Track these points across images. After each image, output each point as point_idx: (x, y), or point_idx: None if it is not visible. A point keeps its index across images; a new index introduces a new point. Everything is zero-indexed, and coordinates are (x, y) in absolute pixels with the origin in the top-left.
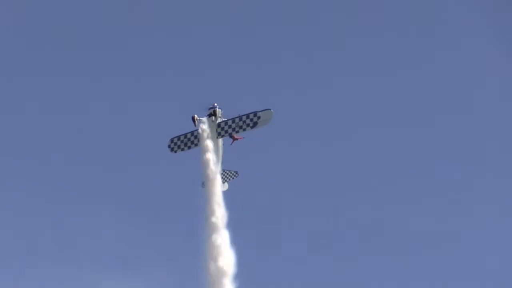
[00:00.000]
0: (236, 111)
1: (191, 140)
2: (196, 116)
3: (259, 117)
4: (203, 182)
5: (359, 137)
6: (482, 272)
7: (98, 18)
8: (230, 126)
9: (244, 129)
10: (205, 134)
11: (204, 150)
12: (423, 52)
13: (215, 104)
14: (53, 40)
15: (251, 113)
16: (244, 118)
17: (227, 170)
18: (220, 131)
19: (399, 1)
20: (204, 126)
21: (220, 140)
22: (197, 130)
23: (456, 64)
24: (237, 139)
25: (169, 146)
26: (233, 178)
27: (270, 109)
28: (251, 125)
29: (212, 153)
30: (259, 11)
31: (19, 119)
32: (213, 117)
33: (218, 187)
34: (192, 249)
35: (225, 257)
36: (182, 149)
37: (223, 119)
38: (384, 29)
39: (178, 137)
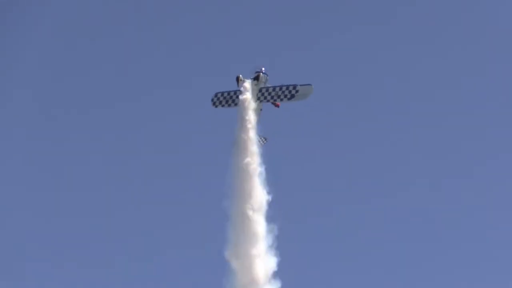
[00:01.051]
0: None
1: (232, 99)
2: (240, 76)
3: (297, 91)
4: (235, 141)
5: None
6: None
7: None
8: (270, 94)
9: (282, 99)
10: (246, 95)
11: (243, 108)
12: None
13: (263, 69)
14: None
15: (291, 85)
16: (284, 88)
17: (257, 134)
18: (260, 96)
19: None
20: (247, 87)
21: (259, 105)
22: (239, 90)
23: None
24: (277, 105)
25: (212, 100)
26: (262, 144)
27: (311, 85)
28: (288, 96)
29: (251, 112)
30: None
31: None
32: (256, 81)
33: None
34: None
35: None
36: (223, 106)
37: (267, 85)
38: None
39: (222, 93)
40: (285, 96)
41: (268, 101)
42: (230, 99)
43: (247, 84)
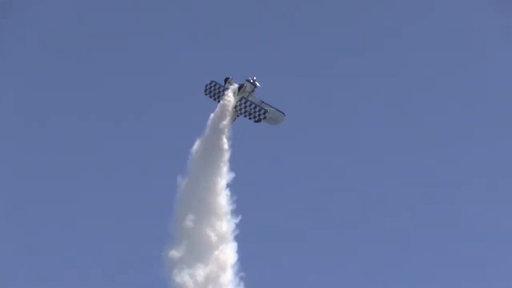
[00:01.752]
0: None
1: (219, 95)
2: (230, 78)
3: (265, 117)
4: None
5: None
6: None
7: None
8: (245, 108)
9: (250, 119)
10: (227, 100)
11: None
12: None
13: (253, 79)
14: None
15: (263, 108)
16: (257, 109)
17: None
18: (238, 105)
19: None
20: (229, 94)
21: (235, 112)
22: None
23: None
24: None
25: (205, 86)
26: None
27: (283, 114)
28: (256, 118)
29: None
30: None
31: None
32: (240, 89)
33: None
34: None
35: None
36: (210, 97)
37: (251, 97)
38: None
39: (215, 84)
40: (254, 117)
41: (240, 114)
42: (217, 94)
43: (231, 90)
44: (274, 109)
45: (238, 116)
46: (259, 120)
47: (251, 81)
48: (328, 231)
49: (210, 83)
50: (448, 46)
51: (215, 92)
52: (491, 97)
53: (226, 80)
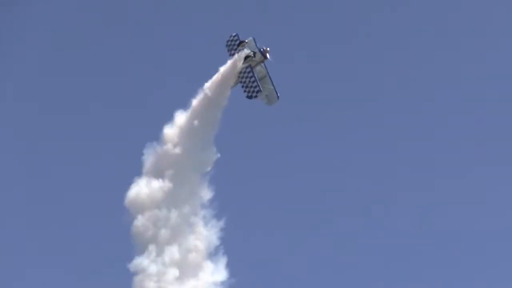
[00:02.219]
0: None
1: (232, 51)
2: (246, 42)
3: (256, 96)
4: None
5: None
6: None
7: None
8: (243, 77)
9: (244, 92)
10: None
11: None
12: None
13: (267, 50)
14: None
15: (258, 86)
16: (252, 83)
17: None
18: (241, 72)
19: None
20: (242, 54)
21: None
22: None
23: None
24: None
25: (230, 36)
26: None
27: (277, 98)
28: (248, 94)
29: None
30: None
31: None
32: (248, 58)
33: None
34: None
35: None
36: (228, 50)
37: (255, 69)
38: None
39: (237, 39)
40: (248, 92)
41: (240, 83)
42: (232, 49)
43: (244, 52)
44: (272, 88)
45: (238, 83)
46: (250, 97)
47: (262, 50)
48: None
49: (234, 35)
50: None
51: (232, 46)
52: None
53: (240, 43)
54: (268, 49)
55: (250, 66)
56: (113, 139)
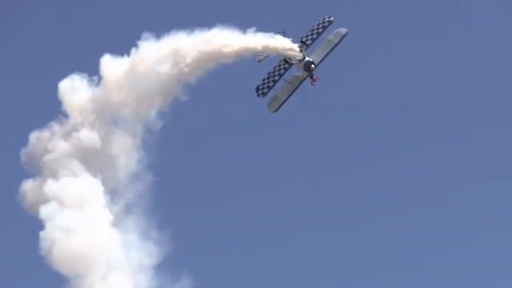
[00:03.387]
0: None
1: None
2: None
3: (262, 96)
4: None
5: None
6: None
7: None
8: (274, 70)
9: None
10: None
11: None
12: None
13: (312, 66)
14: None
15: (266, 93)
16: (270, 80)
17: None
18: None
19: None
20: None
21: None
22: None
23: None
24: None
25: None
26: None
27: (274, 111)
28: (257, 91)
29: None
30: None
31: None
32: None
33: None
34: None
35: None
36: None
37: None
38: None
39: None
40: (259, 87)
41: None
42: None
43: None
44: (281, 100)
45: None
46: (256, 89)
47: (310, 64)
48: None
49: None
50: None
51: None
52: None
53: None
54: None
55: (286, 60)
56: None
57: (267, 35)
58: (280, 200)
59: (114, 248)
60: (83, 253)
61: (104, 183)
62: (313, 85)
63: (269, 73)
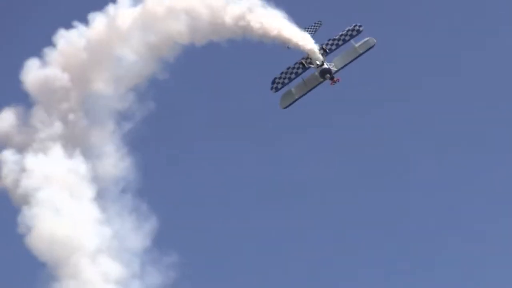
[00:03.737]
0: None
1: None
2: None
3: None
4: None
5: None
6: None
7: None
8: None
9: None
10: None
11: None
12: None
13: (331, 71)
14: None
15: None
16: (285, 76)
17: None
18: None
19: None
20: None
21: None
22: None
23: None
24: (335, 81)
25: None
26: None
27: (284, 107)
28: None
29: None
30: None
31: None
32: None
33: None
34: None
35: None
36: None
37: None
38: None
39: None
40: (279, 78)
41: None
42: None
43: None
44: (293, 98)
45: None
46: (272, 82)
47: (325, 72)
48: None
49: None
50: None
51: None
52: None
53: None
54: (335, 79)
55: (309, 57)
56: None
57: (299, 28)
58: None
59: (99, 229)
60: (67, 235)
61: (89, 162)
62: (333, 85)
63: (288, 68)
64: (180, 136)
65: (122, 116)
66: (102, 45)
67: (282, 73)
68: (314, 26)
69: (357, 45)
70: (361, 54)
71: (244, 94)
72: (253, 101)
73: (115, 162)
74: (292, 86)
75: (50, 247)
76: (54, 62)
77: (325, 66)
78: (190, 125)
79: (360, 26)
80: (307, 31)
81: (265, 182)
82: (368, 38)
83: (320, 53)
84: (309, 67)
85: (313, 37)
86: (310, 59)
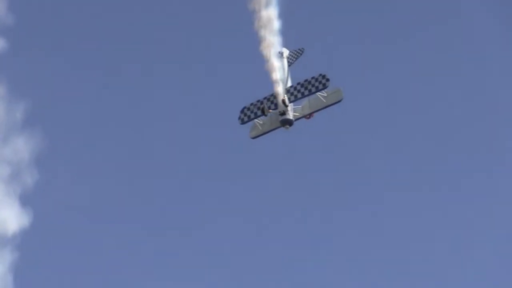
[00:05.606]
0: None
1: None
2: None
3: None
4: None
5: None
6: None
7: None
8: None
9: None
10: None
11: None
12: None
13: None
14: None
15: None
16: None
17: (292, 51)
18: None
19: None
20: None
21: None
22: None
23: None
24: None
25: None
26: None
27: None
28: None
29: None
30: None
31: None
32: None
33: None
34: None
35: None
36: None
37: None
38: None
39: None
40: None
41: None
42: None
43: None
44: (260, 131)
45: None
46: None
47: (286, 123)
48: None
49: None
50: None
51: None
52: None
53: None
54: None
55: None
56: None
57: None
58: None
59: None
60: None
61: None
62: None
63: (258, 100)
64: None
65: None
66: None
67: (251, 104)
68: (296, 52)
69: (325, 93)
70: (327, 107)
71: None
72: None
73: None
74: (260, 120)
75: None
76: None
77: (286, 116)
78: None
79: (327, 79)
80: (290, 55)
81: None
82: (336, 89)
83: (284, 101)
84: (268, 114)
85: (293, 64)
86: (276, 100)
